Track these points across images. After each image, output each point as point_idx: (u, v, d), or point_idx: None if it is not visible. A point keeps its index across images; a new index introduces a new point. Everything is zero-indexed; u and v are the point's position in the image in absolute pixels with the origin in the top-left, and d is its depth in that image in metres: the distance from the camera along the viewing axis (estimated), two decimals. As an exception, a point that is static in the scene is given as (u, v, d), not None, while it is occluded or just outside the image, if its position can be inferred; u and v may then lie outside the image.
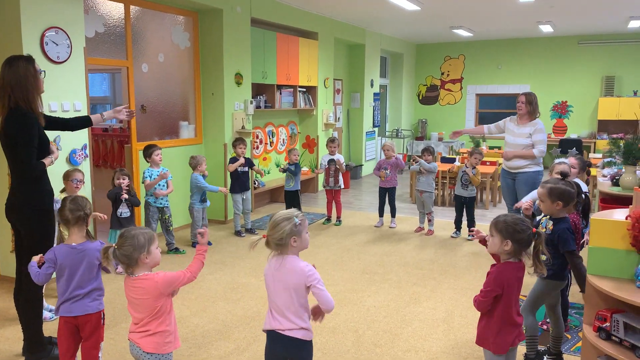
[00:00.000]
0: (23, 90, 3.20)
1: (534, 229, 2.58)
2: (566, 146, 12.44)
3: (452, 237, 6.54)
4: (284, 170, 6.88)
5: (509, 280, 2.53)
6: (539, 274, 2.67)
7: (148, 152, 5.59)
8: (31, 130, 3.21)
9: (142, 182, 5.63)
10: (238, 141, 6.54)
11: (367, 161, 11.79)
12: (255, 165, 6.84)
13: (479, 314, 4.12)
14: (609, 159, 6.46)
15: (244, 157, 6.49)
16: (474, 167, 6.44)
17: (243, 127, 7.32)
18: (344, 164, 7.35)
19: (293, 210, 2.51)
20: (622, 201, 5.28)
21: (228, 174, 7.11)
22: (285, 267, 2.44)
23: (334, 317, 4.08)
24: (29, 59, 3.28)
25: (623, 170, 5.91)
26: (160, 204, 5.67)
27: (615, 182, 5.51)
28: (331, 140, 7.24)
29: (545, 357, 3.36)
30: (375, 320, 4.08)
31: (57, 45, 4.70)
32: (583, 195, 3.94)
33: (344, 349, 3.61)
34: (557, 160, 4.73)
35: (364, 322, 4.04)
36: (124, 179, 5.07)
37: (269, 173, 8.79)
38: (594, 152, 11.50)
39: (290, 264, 2.44)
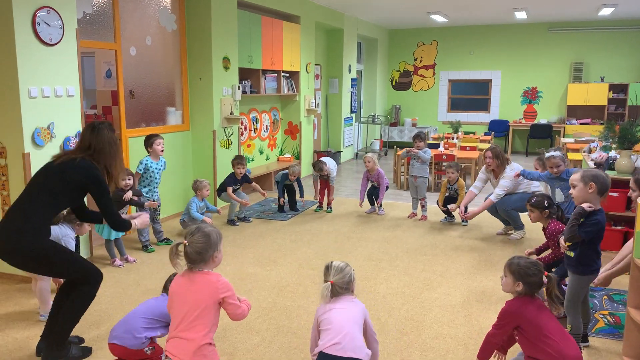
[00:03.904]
0: (107, 157, 3.22)
1: (546, 273, 2.63)
2: (536, 131, 12.77)
3: (441, 222, 6.57)
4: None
5: (525, 313, 2.58)
6: (556, 315, 2.70)
7: (149, 141, 5.37)
8: (105, 183, 3.21)
9: (136, 169, 5.37)
10: (237, 159, 6.33)
11: (345, 147, 11.75)
12: (252, 181, 6.61)
13: (495, 299, 4.19)
14: (598, 144, 6.64)
15: (242, 177, 6.37)
16: (456, 182, 6.47)
17: (231, 113, 7.13)
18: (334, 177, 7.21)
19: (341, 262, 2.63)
20: (617, 185, 5.41)
21: (217, 163, 6.95)
22: (353, 307, 2.54)
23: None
24: (111, 127, 3.32)
25: (611, 154, 6.09)
26: (151, 197, 5.44)
27: (608, 166, 5.65)
28: (319, 169, 7.00)
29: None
30: (394, 307, 4.06)
31: (49, 26, 4.40)
32: (555, 206, 4.13)
33: (371, 338, 3.57)
34: (547, 155, 4.92)
35: (383, 310, 4.00)
36: (129, 179, 4.84)
37: (253, 160, 8.63)
38: (564, 137, 11.83)
39: (355, 302, 2.58)
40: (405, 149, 6.91)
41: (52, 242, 3.10)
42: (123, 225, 3.34)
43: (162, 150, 5.42)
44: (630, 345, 2.73)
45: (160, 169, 5.45)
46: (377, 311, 3.98)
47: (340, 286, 2.51)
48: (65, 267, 3.12)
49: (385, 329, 3.70)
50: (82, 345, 3.37)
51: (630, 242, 3.00)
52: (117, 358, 2.98)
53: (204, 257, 2.45)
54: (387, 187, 6.92)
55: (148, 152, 5.40)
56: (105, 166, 3.22)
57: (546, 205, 4.06)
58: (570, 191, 3.17)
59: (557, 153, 4.84)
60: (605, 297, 4.26)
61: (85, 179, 3.12)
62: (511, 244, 5.74)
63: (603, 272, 3.22)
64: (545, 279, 2.60)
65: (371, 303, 4.12)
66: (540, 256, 4.13)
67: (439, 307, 4.07)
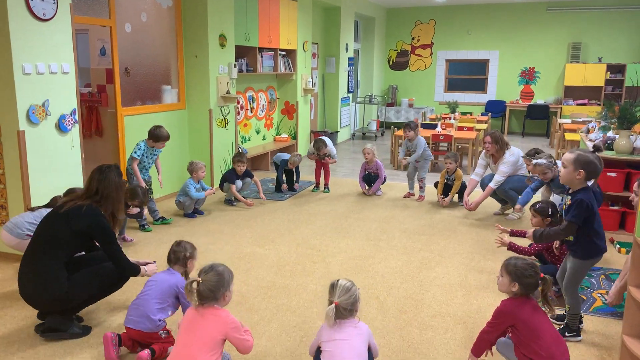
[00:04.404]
0: (114, 203, 3.26)
1: (542, 274, 2.64)
2: (533, 112, 12.74)
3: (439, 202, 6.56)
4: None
5: (520, 314, 2.58)
6: (550, 315, 2.70)
7: (156, 137, 5.29)
8: (111, 230, 3.22)
9: (133, 154, 5.30)
10: (237, 157, 6.27)
11: (342, 127, 11.70)
12: (254, 176, 6.52)
13: (493, 278, 4.20)
14: (596, 124, 6.62)
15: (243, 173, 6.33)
16: (454, 172, 6.43)
17: (228, 92, 7.05)
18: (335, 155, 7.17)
19: (347, 281, 2.58)
20: (615, 165, 5.41)
21: (213, 142, 6.89)
22: (356, 336, 2.49)
23: (352, 284, 4.03)
24: (119, 170, 3.36)
25: (609, 135, 6.07)
26: (144, 177, 5.39)
27: (607, 146, 5.64)
28: (317, 148, 6.94)
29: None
30: (393, 286, 4.06)
31: (42, 0, 4.31)
32: (558, 215, 4.08)
33: (370, 316, 3.58)
34: (534, 161, 4.95)
35: (382, 289, 4.01)
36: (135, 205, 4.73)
37: (249, 140, 8.57)
38: (561, 118, 11.80)
39: (358, 328, 2.52)
40: (403, 159, 6.83)
41: (71, 281, 3.11)
42: (133, 270, 3.31)
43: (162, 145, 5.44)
44: (631, 324, 2.74)
45: (155, 154, 5.43)
46: (376, 290, 3.98)
47: (344, 308, 2.49)
48: (96, 290, 3.25)
49: (384, 307, 3.71)
50: (82, 324, 3.36)
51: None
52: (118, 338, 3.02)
53: (216, 295, 2.52)
54: (384, 180, 6.91)
55: (148, 139, 5.34)
56: (112, 212, 3.26)
57: (549, 213, 4.10)
58: (559, 169, 3.15)
59: (543, 161, 4.89)
60: (602, 276, 4.28)
61: (91, 227, 3.13)
62: (508, 223, 5.75)
63: (613, 287, 3.25)
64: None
65: (370, 282, 4.12)
66: (523, 247, 4.22)
67: (437, 286, 4.08)
